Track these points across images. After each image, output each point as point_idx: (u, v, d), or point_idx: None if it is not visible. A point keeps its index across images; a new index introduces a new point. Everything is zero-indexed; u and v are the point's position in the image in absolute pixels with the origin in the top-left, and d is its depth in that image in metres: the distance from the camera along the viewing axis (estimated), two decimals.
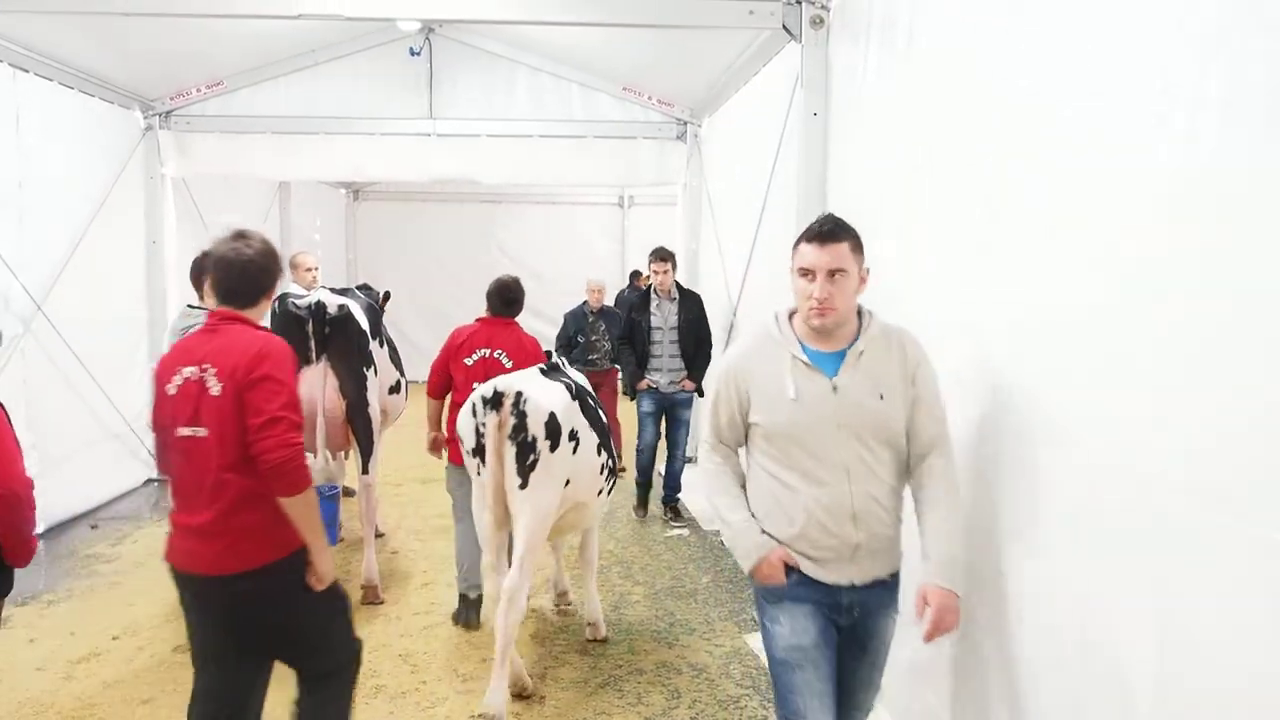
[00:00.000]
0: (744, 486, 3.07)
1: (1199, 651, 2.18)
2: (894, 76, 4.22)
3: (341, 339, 5.70)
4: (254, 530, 2.99)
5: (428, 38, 8.70)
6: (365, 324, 5.93)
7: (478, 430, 4.33)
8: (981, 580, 3.30)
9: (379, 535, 6.65)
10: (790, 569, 2.92)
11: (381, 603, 5.69)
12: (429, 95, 8.87)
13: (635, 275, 14.18)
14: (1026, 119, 3.04)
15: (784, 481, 2.90)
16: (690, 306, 7.40)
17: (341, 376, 5.69)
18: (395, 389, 6.46)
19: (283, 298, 5.92)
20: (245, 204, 10.85)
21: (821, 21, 5.12)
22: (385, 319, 6.74)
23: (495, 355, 5.24)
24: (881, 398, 2.84)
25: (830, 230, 2.86)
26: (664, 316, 7.42)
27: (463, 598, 5.35)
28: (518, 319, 5.56)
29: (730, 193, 7.62)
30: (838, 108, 5.03)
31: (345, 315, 5.72)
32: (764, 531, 2.95)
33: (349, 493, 7.37)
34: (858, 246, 2.88)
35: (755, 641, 5.17)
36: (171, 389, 3.05)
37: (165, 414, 3.08)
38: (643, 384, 7.44)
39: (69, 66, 7.16)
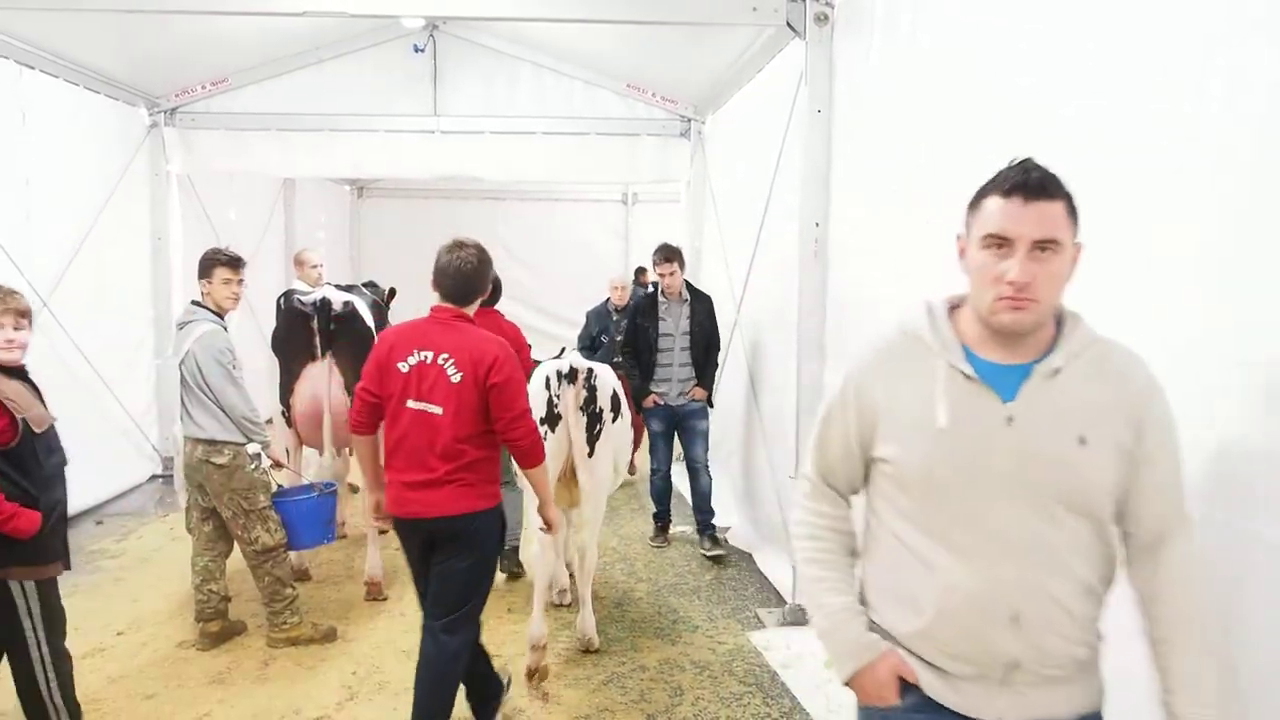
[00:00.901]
0: (853, 554, 2.18)
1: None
2: (898, 74, 4.22)
3: (347, 336, 5.72)
4: (471, 486, 3.71)
5: (431, 35, 8.70)
6: (370, 321, 5.95)
7: (550, 402, 4.86)
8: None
9: (382, 532, 6.63)
10: (907, 685, 2.02)
11: (385, 599, 5.71)
12: (433, 92, 8.87)
13: (640, 272, 14.15)
14: (1028, 117, 3.04)
15: (915, 550, 1.99)
16: (701, 310, 6.75)
17: (347, 373, 5.70)
18: None
19: (288, 294, 5.95)
20: (250, 201, 10.86)
21: (825, 18, 5.12)
22: (389, 315, 6.75)
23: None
24: (1083, 442, 1.87)
25: (1040, 183, 1.89)
26: (674, 321, 6.68)
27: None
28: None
29: (734, 190, 7.61)
30: (842, 105, 5.03)
31: (350, 312, 5.74)
32: (873, 625, 2.08)
33: (353, 489, 7.38)
34: (1073, 211, 1.91)
35: (758, 639, 5.19)
36: (404, 367, 3.69)
37: (395, 386, 3.70)
38: (649, 400, 6.66)
39: (74, 63, 7.18)
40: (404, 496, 3.74)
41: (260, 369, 7.52)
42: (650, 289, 7.32)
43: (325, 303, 5.61)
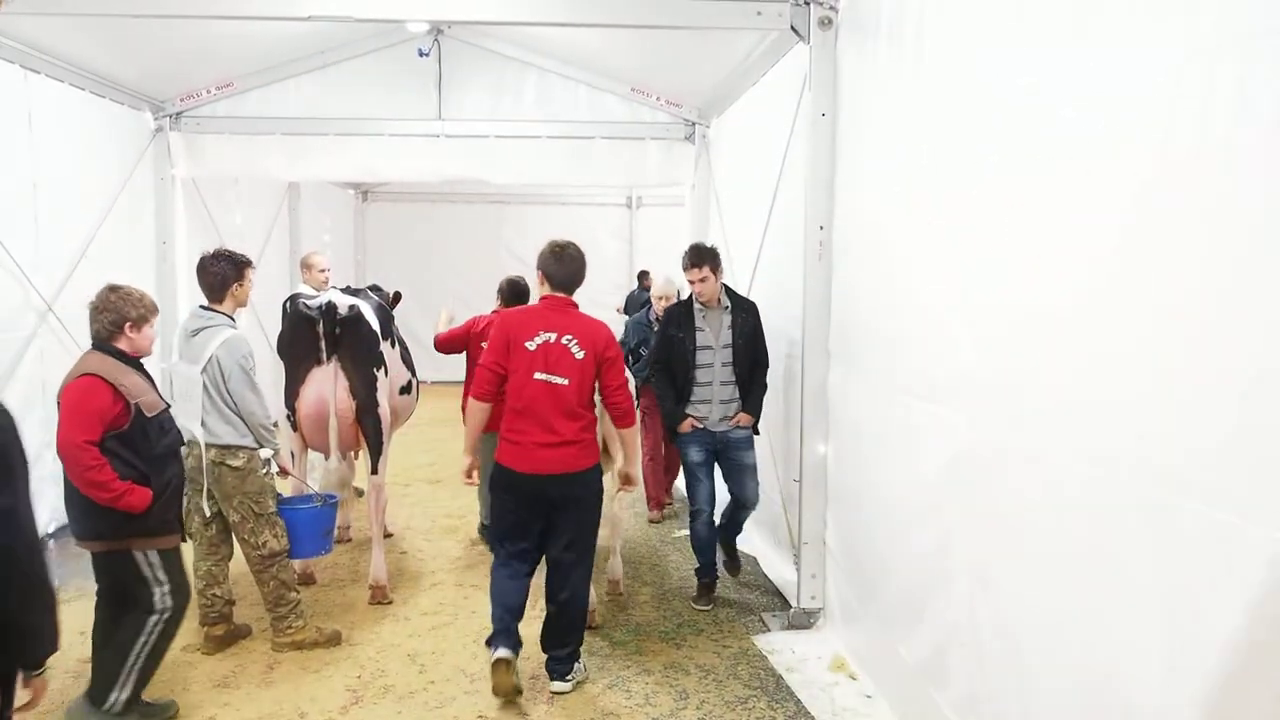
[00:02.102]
0: None
1: (1207, 650, 2.19)
2: (902, 77, 4.22)
3: (352, 339, 5.72)
4: (589, 445, 4.51)
5: (436, 39, 8.71)
6: (376, 325, 5.95)
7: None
8: (989, 582, 3.31)
9: (388, 536, 6.67)
10: None
11: (390, 603, 5.71)
12: (437, 96, 8.88)
13: (643, 275, 14.13)
14: (1029, 119, 3.04)
15: None
16: (746, 318, 5.70)
17: (352, 377, 5.71)
18: (406, 389, 6.47)
19: (294, 298, 5.95)
20: (255, 205, 10.87)
21: (830, 22, 5.12)
22: (395, 319, 6.75)
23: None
24: None
25: None
26: (713, 332, 5.67)
27: (484, 526, 6.70)
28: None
29: (738, 194, 7.61)
30: (846, 108, 5.03)
31: (356, 316, 5.74)
32: None
33: (358, 492, 7.38)
34: None
35: (763, 642, 5.18)
36: (531, 345, 4.42)
37: (521, 361, 4.41)
38: (686, 424, 5.64)
39: (80, 68, 7.20)
40: (534, 456, 4.41)
41: (265, 373, 7.51)
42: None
43: (331, 306, 5.62)
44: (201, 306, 4.89)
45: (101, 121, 7.71)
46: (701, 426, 5.64)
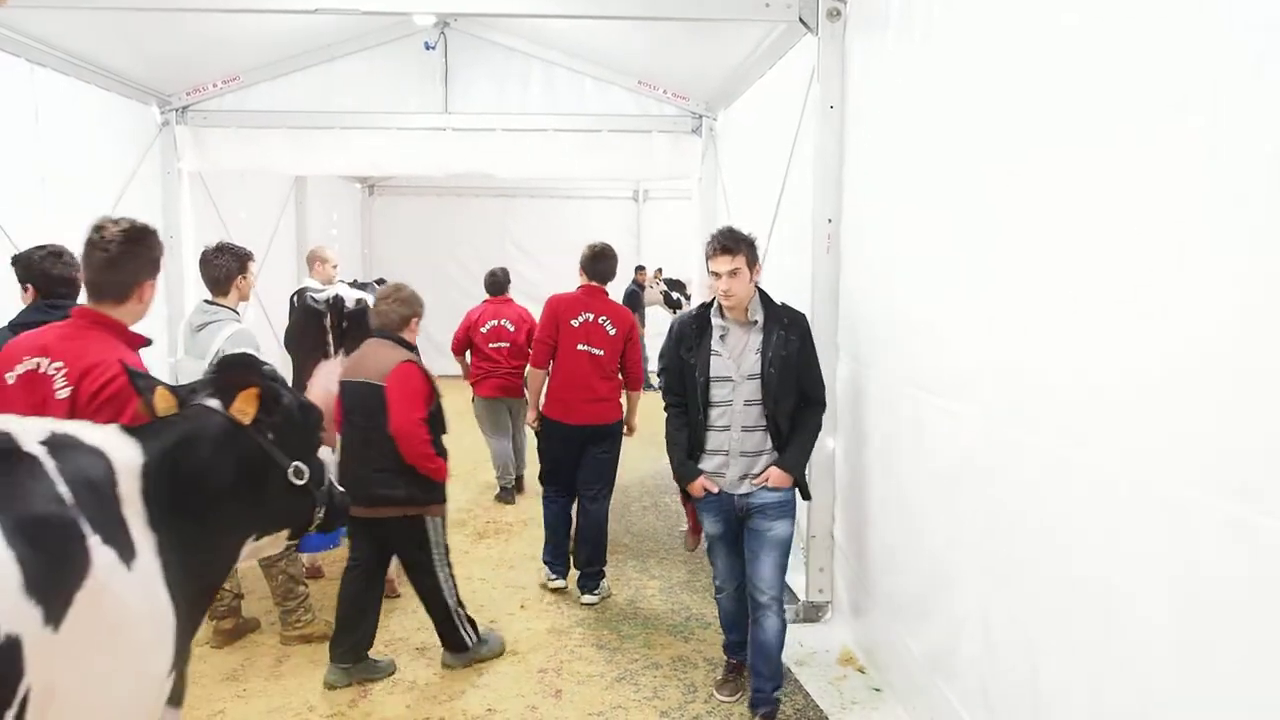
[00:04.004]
0: None
1: (1218, 642, 2.18)
2: (911, 69, 4.20)
3: (359, 333, 5.71)
4: (611, 402, 5.70)
5: (442, 32, 8.68)
6: None
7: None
8: (999, 575, 3.30)
9: None
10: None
11: (398, 596, 5.70)
12: (444, 89, 8.86)
13: (639, 270, 14.01)
14: (1041, 112, 3.02)
15: None
16: (786, 337, 4.10)
17: None
18: None
19: (301, 292, 5.96)
20: (262, 198, 10.87)
21: (838, 14, 5.10)
22: None
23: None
24: None
25: None
26: (733, 356, 4.12)
27: (503, 489, 7.89)
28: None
29: (746, 187, 7.59)
30: (854, 101, 5.01)
31: (363, 309, 5.75)
32: None
33: None
34: None
35: None
36: (575, 323, 5.61)
37: (568, 336, 5.59)
38: (698, 485, 4.15)
39: (86, 62, 7.19)
40: (579, 409, 5.60)
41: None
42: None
43: (338, 300, 5.63)
44: (206, 300, 4.88)
45: (108, 115, 7.70)
46: (718, 489, 4.14)
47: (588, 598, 5.69)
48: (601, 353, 5.61)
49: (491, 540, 6.88)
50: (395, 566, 5.78)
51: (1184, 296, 2.30)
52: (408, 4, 6.33)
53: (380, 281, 7.35)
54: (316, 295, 5.73)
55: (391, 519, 4.53)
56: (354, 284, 6.53)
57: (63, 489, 1.95)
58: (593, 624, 5.37)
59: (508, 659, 4.91)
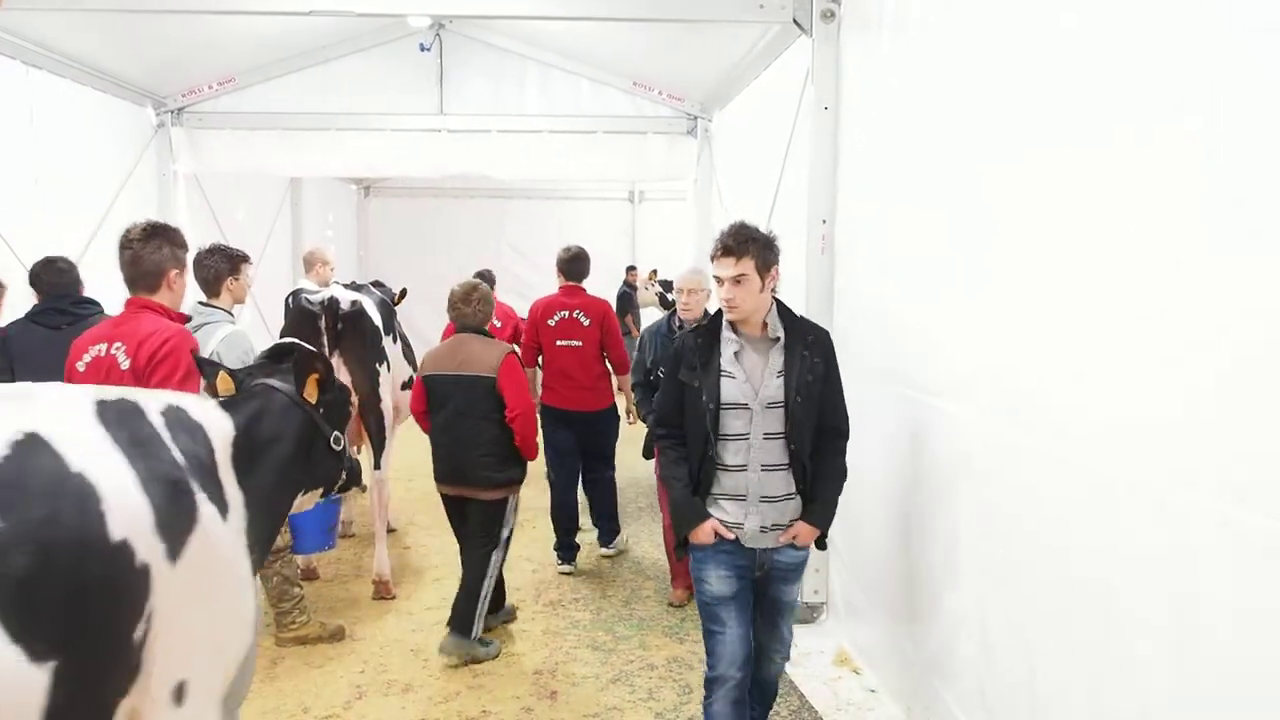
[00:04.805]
0: None
1: (1216, 644, 2.18)
2: (905, 70, 4.20)
3: (354, 334, 5.72)
4: (601, 391, 6.22)
5: (438, 34, 8.68)
6: (378, 320, 5.95)
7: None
8: (996, 576, 3.30)
9: (391, 530, 6.67)
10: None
11: (393, 598, 5.71)
12: (439, 91, 8.86)
13: (630, 270, 13.95)
14: (1036, 113, 3.03)
15: None
16: (811, 358, 3.38)
17: (354, 372, 5.70)
18: (408, 385, 6.47)
19: (296, 293, 5.95)
20: (257, 200, 10.84)
21: (832, 15, 5.10)
22: (398, 315, 6.75)
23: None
24: None
25: None
26: (749, 379, 3.35)
27: None
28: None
29: (741, 188, 7.59)
30: (849, 102, 5.01)
31: (358, 311, 5.74)
32: None
33: (361, 488, 7.37)
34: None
35: None
36: (552, 321, 6.15)
37: (549, 334, 6.16)
38: (708, 529, 3.37)
39: (81, 63, 7.18)
40: (568, 397, 6.17)
41: None
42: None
43: (333, 302, 5.62)
44: (200, 302, 4.87)
45: (103, 117, 7.69)
46: (733, 538, 3.37)
47: (604, 550, 6.52)
48: (580, 344, 6.14)
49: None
50: (389, 567, 5.79)
51: (1181, 298, 2.30)
52: (402, 5, 6.33)
53: (377, 283, 7.32)
54: (311, 297, 5.72)
55: (481, 499, 4.93)
56: (350, 285, 6.50)
57: (176, 453, 2.31)
58: (588, 626, 5.37)
59: (503, 660, 4.91)
